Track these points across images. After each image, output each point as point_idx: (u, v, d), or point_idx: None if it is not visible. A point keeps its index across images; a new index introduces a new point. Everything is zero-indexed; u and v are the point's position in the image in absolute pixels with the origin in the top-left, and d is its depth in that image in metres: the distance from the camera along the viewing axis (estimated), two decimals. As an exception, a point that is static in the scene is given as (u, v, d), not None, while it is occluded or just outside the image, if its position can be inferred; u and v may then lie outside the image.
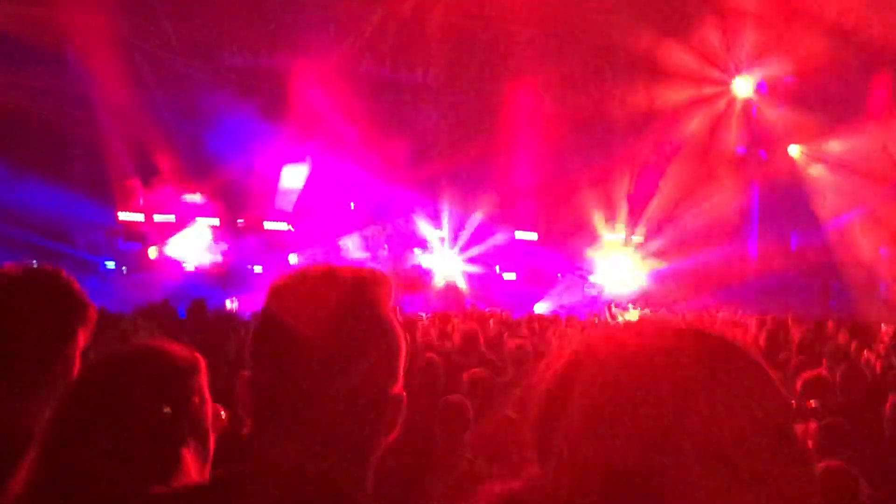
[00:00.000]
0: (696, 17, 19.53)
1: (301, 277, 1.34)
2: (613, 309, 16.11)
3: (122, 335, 7.62)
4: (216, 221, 21.23)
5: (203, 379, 1.61)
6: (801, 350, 7.62)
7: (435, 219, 22.10)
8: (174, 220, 20.97)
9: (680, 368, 0.92)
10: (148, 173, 20.62)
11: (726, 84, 21.15)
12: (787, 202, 21.15)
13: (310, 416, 1.25)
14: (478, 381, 5.79)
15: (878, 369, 7.12)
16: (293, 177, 22.11)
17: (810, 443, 4.07)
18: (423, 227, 22.10)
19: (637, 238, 22.55)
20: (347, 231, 21.92)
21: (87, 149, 20.10)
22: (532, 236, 23.38)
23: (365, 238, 21.91)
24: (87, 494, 1.45)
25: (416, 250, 22.13)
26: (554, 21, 20.97)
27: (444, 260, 21.92)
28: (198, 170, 20.77)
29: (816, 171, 20.87)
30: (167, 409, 1.51)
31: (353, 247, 21.71)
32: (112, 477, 1.45)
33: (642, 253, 22.28)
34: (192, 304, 11.54)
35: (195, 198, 21.20)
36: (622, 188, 22.12)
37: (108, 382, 1.55)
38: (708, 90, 21.04)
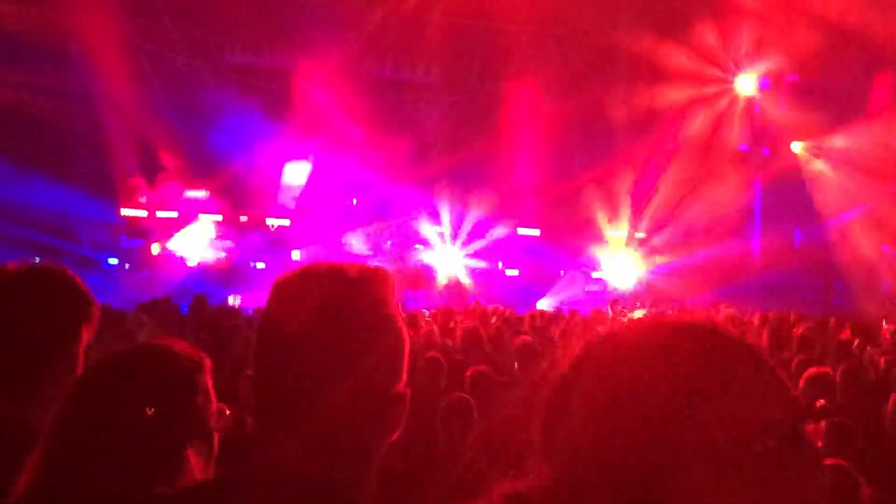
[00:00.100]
0: (699, 14, 19.48)
1: (304, 275, 1.34)
2: (616, 306, 16.09)
3: (125, 332, 7.63)
4: (219, 218, 21.26)
5: (207, 378, 1.60)
6: (803, 347, 7.60)
7: (437, 216, 22.10)
8: (177, 217, 20.99)
9: (687, 367, 0.91)
10: (151, 170, 20.65)
11: (729, 81, 21.11)
12: (789, 199, 21.10)
13: (313, 414, 1.25)
14: (480, 379, 5.79)
15: (883, 364, 7.10)
16: (296, 174, 22.12)
17: (819, 443, 4.06)
18: (426, 223, 22.10)
19: (640, 235, 22.53)
20: (350, 228, 21.93)
21: (90, 146, 20.13)
22: (535, 233, 23.37)
23: (368, 235, 21.92)
24: (91, 493, 1.45)
25: (419, 247, 22.13)
26: (556, 20, 20.95)
27: (446, 257, 21.93)
28: (201, 167, 20.80)
29: (819, 168, 20.84)
30: (151, 411, 1.50)
31: (356, 244, 21.72)
32: (115, 476, 1.45)
33: (645, 250, 22.27)
34: (194, 300, 11.56)
35: (198, 194, 21.22)
36: (625, 185, 22.09)
37: (112, 381, 1.55)
38: (711, 87, 21.00)
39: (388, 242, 22.03)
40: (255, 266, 20.59)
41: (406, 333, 1.32)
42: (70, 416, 1.53)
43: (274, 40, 21.78)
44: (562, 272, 22.33)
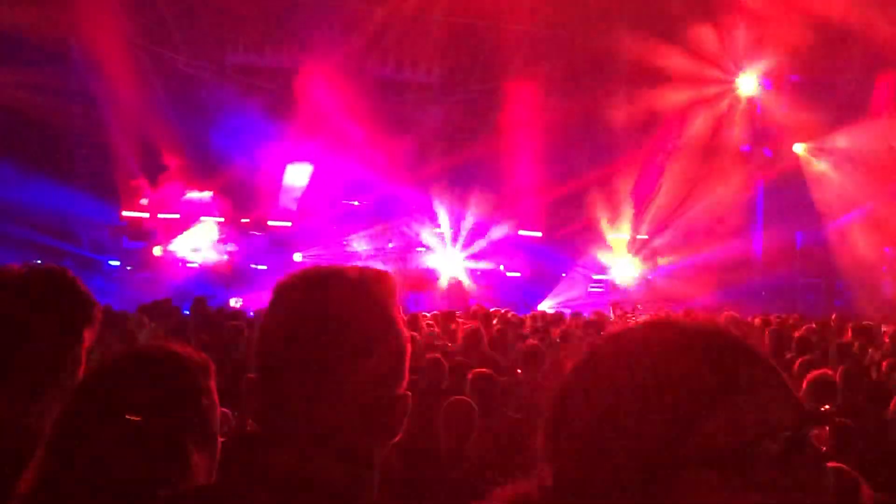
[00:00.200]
0: (700, 15, 19.48)
1: (305, 278, 1.34)
2: (618, 307, 16.09)
3: (127, 334, 7.64)
4: (221, 220, 21.26)
5: (212, 381, 1.60)
6: (803, 350, 7.59)
7: (439, 217, 22.10)
8: (179, 219, 21.00)
9: (691, 370, 0.91)
10: (152, 172, 20.65)
11: (730, 82, 21.10)
12: (791, 200, 21.08)
13: (314, 417, 1.25)
14: (482, 381, 5.79)
15: (885, 367, 7.09)
16: (297, 175, 22.13)
17: (823, 447, 4.05)
18: (427, 225, 22.10)
19: (641, 236, 22.52)
20: (352, 230, 21.93)
21: (91, 147, 20.14)
22: (536, 234, 23.37)
23: (369, 237, 21.92)
24: (94, 496, 1.45)
25: (421, 249, 22.13)
26: (557, 20, 20.95)
27: (448, 258, 21.93)
28: (202, 168, 20.80)
29: (821, 169, 20.82)
30: (153, 414, 1.50)
31: (357, 245, 21.73)
32: (118, 479, 1.45)
33: (647, 251, 22.26)
34: (194, 301, 11.59)
35: (200, 196, 21.23)
36: (627, 186, 22.08)
37: (115, 384, 1.55)
38: (712, 88, 20.99)
39: (390, 244, 22.03)
40: (256, 268, 20.59)
41: (407, 336, 1.32)
42: (73, 419, 1.53)
43: (275, 40, 21.80)
44: (563, 274, 22.33)
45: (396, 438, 1.32)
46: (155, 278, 19.26)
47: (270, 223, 21.86)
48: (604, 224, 22.19)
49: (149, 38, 20.16)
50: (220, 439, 1.59)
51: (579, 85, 21.52)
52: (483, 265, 22.07)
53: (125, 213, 20.90)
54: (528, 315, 13.29)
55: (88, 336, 2.00)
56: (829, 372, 5.47)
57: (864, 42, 18.53)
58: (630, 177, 22.02)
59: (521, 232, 22.96)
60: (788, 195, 21.10)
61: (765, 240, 21.89)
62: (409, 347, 1.32)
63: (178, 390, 1.55)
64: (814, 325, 10.33)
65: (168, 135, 20.07)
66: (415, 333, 8.19)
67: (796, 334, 8.56)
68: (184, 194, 21.10)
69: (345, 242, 21.70)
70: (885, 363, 7.05)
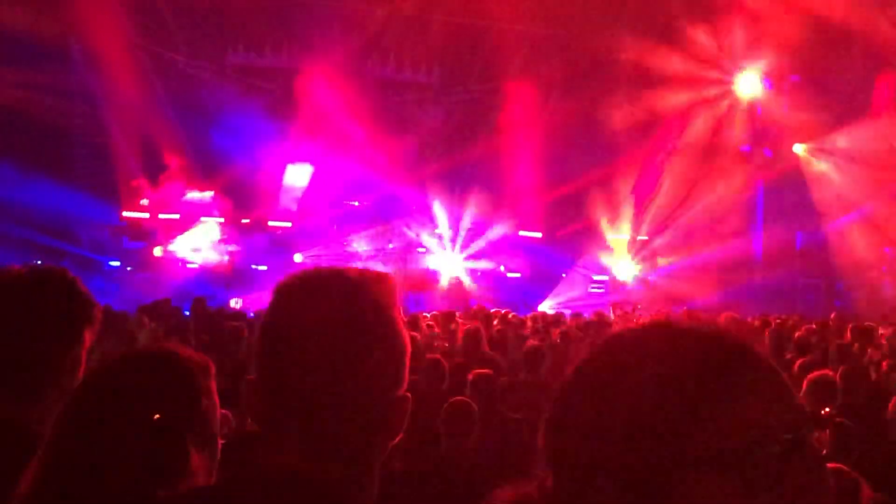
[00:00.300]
0: (700, 15, 19.47)
1: (305, 279, 1.34)
2: (618, 308, 16.09)
3: (127, 334, 7.64)
4: (221, 220, 21.27)
5: (212, 382, 1.61)
6: (801, 350, 7.59)
7: (439, 218, 22.10)
8: (179, 219, 21.00)
9: (693, 373, 0.91)
10: (153, 172, 20.65)
11: (730, 82, 21.09)
12: (791, 201, 21.08)
13: (315, 419, 1.25)
14: (482, 381, 5.79)
15: (885, 367, 7.10)
16: (297, 176, 22.13)
17: (824, 450, 4.05)
18: (428, 226, 22.10)
19: (642, 237, 22.52)
20: (352, 230, 21.94)
21: (91, 147, 20.16)
22: (536, 235, 23.38)
23: (370, 237, 21.93)
24: (94, 497, 1.45)
25: (421, 249, 22.14)
26: (557, 21, 20.95)
27: (448, 259, 21.94)
28: (203, 168, 20.81)
29: (822, 169, 20.81)
30: (154, 415, 1.50)
31: (358, 246, 21.74)
32: (118, 480, 1.45)
33: (647, 252, 22.26)
34: (193, 302, 11.60)
35: (201, 196, 21.23)
36: (627, 187, 22.09)
37: (116, 385, 1.55)
38: (712, 89, 20.98)
39: (390, 244, 22.04)
40: (256, 268, 20.60)
41: (407, 338, 1.33)
42: (73, 420, 1.53)
43: (275, 41, 21.81)
44: (563, 274, 22.33)
45: (397, 440, 1.32)
46: (155, 279, 19.26)
47: (271, 223, 21.87)
48: (604, 224, 22.19)
49: (149, 38, 20.18)
50: (221, 440, 1.60)
51: (579, 85, 21.52)
52: (483, 265, 22.08)
53: (125, 214, 20.91)
54: (528, 315, 13.29)
55: (88, 337, 2.00)
56: (830, 373, 5.47)
57: (864, 42, 18.54)
58: (630, 177, 22.03)
59: (522, 232, 22.97)
60: (788, 195, 21.10)
61: (765, 240, 21.88)
62: (409, 349, 1.32)
63: (177, 391, 1.55)
64: (814, 326, 10.33)
65: (168, 135, 20.08)
66: (415, 334, 8.20)
67: (795, 335, 8.56)
68: (184, 194, 21.11)
69: (345, 243, 21.71)
70: (885, 363, 7.05)
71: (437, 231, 22.07)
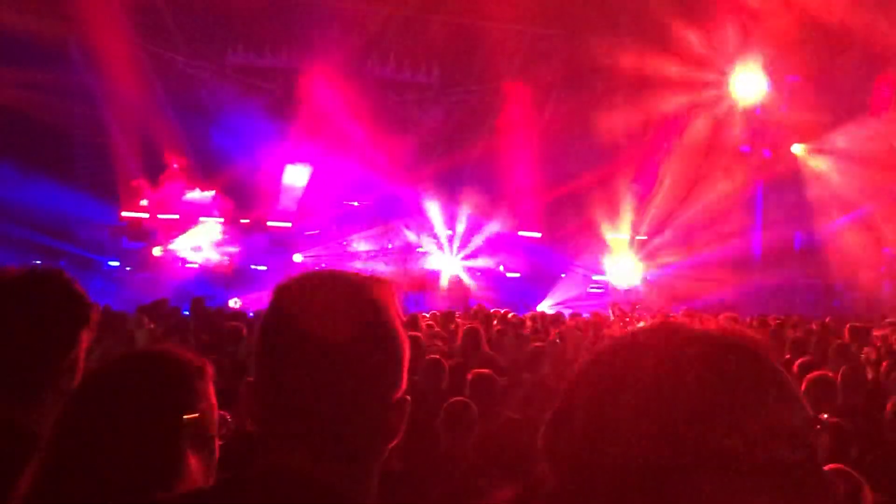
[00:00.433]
0: (699, 15, 19.48)
1: (304, 281, 1.34)
2: (617, 308, 16.09)
3: (126, 334, 7.64)
4: (220, 220, 21.26)
5: (209, 384, 1.61)
6: (797, 350, 7.59)
7: (439, 218, 22.10)
8: (178, 219, 21.00)
9: (700, 375, 0.91)
10: (152, 172, 20.65)
11: (730, 83, 21.09)
12: (790, 201, 21.09)
13: (313, 421, 1.25)
14: (482, 381, 5.78)
15: (884, 368, 7.09)
16: (296, 176, 22.13)
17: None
18: (428, 226, 22.10)
19: (641, 237, 22.52)
20: (352, 230, 21.94)
21: (91, 147, 20.14)
22: (536, 235, 23.39)
23: (370, 237, 21.93)
24: (91, 498, 1.45)
25: (421, 249, 22.14)
26: (556, 21, 20.96)
27: (448, 259, 21.94)
28: (202, 169, 20.81)
29: (820, 170, 20.82)
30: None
31: (358, 246, 21.74)
32: (116, 481, 1.45)
33: (646, 252, 22.26)
34: (192, 302, 11.61)
35: (201, 196, 21.24)
36: (626, 187, 22.09)
37: (113, 386, 1.55)
38: (711, 89, 20.99)
39: (390, 245, 22.04)
40: (256, 268, 20.59)
41: (406, 340, 1.33)
42: (70, 421, 1.53)
43: (275, 41, 21.81)
44: (563, 274, 22.34)
45: (395, 442, 1.32)
46: (154, 279, 19.26)
47: (270, 224, 21.86)
48: (603, 225, 22.20)
49: (148, 38, 20.17)
50: (219, 442, 1.60)
51: (578, 85, 21.52)
52: (482, 265, 22.09)
53: (124, 214, 20.90)
54: (527, 315, 13.30)
55: (85, 337, 1.99)
56: (829, 374, 5.47)
57: (862, 43, 18.54)
58: (629, 177, 22.03)
59: (521, 232, 22.97)
60: (787, 196, 21.11)
61: (763, 240, 21.88)
62: (407, 352, 1.33)
63: (173, 393, 1.55)
64: (813, 326, 10.33)
65: (168, 135, 20.09)
66: (417, 333, 8.21)
67: (791, 335, 8.56)
68: (183, 195, 21.10)
69: (345, 243, 21.71)
70: (884, 364, 7.06)
71: (436, 231, 22.07)
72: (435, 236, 22.09)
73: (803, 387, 5.11)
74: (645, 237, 22.44)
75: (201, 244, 20.94)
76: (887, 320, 12.17)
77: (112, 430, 1.49)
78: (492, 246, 22.15)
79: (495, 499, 1.02)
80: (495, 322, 11.30)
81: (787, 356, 7.40)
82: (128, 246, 21.04)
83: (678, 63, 19.74)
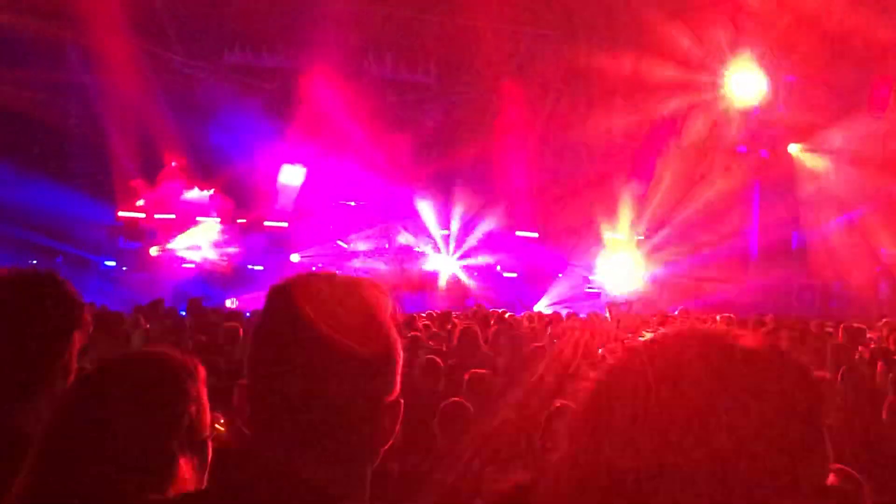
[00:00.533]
0: (698, 15, 19.48)
1: (298, 284, 1.33)
2: (614, 308, 16.09)
3: (122, 334, 7.62)
4: (217, 220, 21.25)
5: (201, 387, 1.60)
6: (793, 350, 7.59)
7: (436, 217, 22.10)
8: (175, 219, 20.97)
9: (707, 385, 0.91)
10: (149, 172, 20.63)
11: (727, 83, 21.09)
12: (787, 201, 21.10)
13: (306, 423, 1.25)
14: (478, 381, 5.78)
15: (880, 369, 7.10)
16: (292, 176, 22.12)
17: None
18: (426, 225, 22.11)
19: (638, 237, 22.52)
20: (349, 230, 21.93)
21: (87, 147, 20.11)
22: (533, 235, 23.40)
23: (367, 237, 21.92)
24: (83, 500, 1.44)
25: (419, 249, 22.14)
26: (555, 21, 20.96)
27: (445, 258, 21.94)
28: (200, 168, 20.79)
29: (817, 170, 20.83)
30: (141, 419, 1.50)
31: (355, 246, 21.74)
32: (108, 484, 1.45)
33: (643, 252, 22.26)
34: (189, 303, 11.61)
35: (198, 195, 21.22)
36: (624, 187, 22.09)
37: (105, 389, 1.55)
38: (708, 89, 20.99)
39: (388, 245, 22.03)
40: (252, 268, 20.58)
41: (399, 343, 1.33)
42: (63, 423, 1.52)
43: (273, 40, 21.79)
44: (560, 274, 22.34)
45: (388, 445, 1.32)
46: (151, 279, 19.24)
47: (267, 224, 21.84)
48: (601, 224, 22.19)
49: (146, 37, 20.12)
50: (211, 444, 1.59)
51: (576, 85, 21.53)
52: (479, 265, 22.09)
53: (121, 214, 20.87)
54: (524, 315, 13.30)
55: (78, 339, 1.99)
56: (827, 375, 5.48)
57: (860, 43, 18.55)
58: (627, 177, 22.03)
59: (518, 232, 22.98)
60: (784, 196, 21.12)
61: (760, 240, 21.90)
62: (401, 354, 1.32)
63: (164, 396, 1.54)
64: (811, 327, 10.35)
65: (165, 135, 20.05)
66: (417, 333, 8.21)
67: (785, 335, 8.58)
68: (181, 194, 21.08)
69: (342, 243, 21.70)
70: (880, 365, 7.06)
71: (434, 230, 22.07)
72: (432, 236, 22.08)
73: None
74: (642, 237, 22.45)
75: (198, 244, 20.93)
76: (884, 320, 12.19)
77: (104, 432, 1.48)
78: (489, 246, 22.16)
79: (494, 495, 1.02)
80: (492, 322, 11.29)
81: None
82: (124, 246, 21.02)
83: (675, 63, 19.75)
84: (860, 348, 8.19)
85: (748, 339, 0.98)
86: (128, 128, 19.57)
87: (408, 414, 1.34)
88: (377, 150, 21.23)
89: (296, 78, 21.21)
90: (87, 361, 1.97)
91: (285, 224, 21.91)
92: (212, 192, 21.20)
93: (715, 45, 20.25)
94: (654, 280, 21.66)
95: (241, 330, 8.36)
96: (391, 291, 1.36)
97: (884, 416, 5.00)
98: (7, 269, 2.01)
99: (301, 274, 1.36)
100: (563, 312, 14.11)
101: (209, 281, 19.55)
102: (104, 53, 18.58)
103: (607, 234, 22.23)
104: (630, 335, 10.15)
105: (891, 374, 6.23)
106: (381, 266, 20.94)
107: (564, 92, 21.77)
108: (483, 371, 6.03)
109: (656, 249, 22.01)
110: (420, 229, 22.09)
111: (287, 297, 1.31)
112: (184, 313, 11.66)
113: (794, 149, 21.34)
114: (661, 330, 1.02)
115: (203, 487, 1.49)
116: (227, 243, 21.14)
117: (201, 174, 20.95)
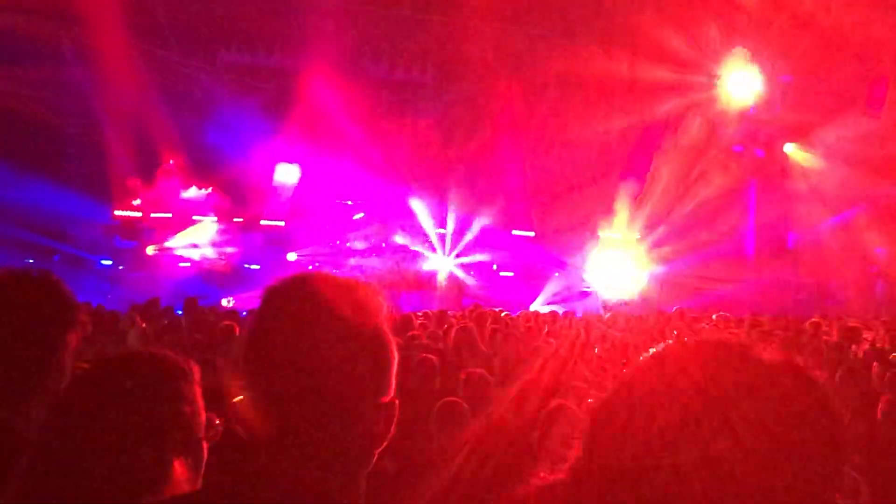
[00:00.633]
0: (695, 15, 19.51)
1: (292, 286, 1.33)
2: (610, 307, 16.11)
3: (118, 333, 7.61)
4: (214, 219, 21.22)
5: (196, 387, 1.60)
6: (789, 350, 7.60)
7: (433, 216, 22.09)
8: (171, 218, 20.94)
9: (727, 397, 0.92)
10: (146, 170, 20.59)
11: (723, 83, 21.12)
12: (783, 201, 21.14)
13: (300, 424, 1.25)
14: (474, 380, 5.77)
15: (875, 368, 7.11)
16: (287, 175, 22.11)
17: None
18: (423, 224, 22.09)
19: (634, 237, 22.54)
20: (346, 229, 21.90)
21: (84, 146, 20.08)
22: (529, 234, 23.40)
23: (364, 236, 21.90)
24: (78, 500, 1.44)
25: (416, 248, 22.12)
26: (554, 21, 20.97)
27: (442, 258, 21.93)
28: (196, 167, 20.76)
29: (813, 169, 20.87)
30: (135, 420, 1.49)
31: (352, 245, 21.71)
32: (103, 485, 1.44)
33: (639, 252, 22.28)
34: (185, 302, 11.58)
35: (196, 194, 21.19)
36: (620, 187, 22.11)
37: (99, 390, 1.54)
38: (705, 89, 21.02)
39: (384, 243, 22.02)
40: (249, 267, 20.55)
41: (394, 345, 1.33)
42: (57, 424, 1.52)
43: (270, 40, 21.76)
44: (556, 273, 22.34)
45: (383, 445, 1.32)
46: (147, 278, 19.19)
47: (264, 222, 21.82)
48: (596, 223, 22.21)
49: (142, 36, 20.09)
50: (206, 445, 1.59)
51: (573, 85, 21.53)
52: (476, 264, 22.08)
53: (117, 212, 20.83)
54: (521, 314, 13.29)
55: (72, 339, 1.98)
56: (824, 375, 5.48)
57: (855, 43, 18.59)
58: (623, 176, 22.05)
59: (515, 231, 22.98)
60: (780, 195, 21.15)
61: (756, 240, 21.94)
62: (395, 355, 1.32)
63: (158, 397, 1.54)
64: (807, 326, 10.35)
65: (162, 133, 20.01)
66: (413, 332, 8.20)
67: (780, 335, 8.59)
68: (177, 193, 21.05)
69: (339, 242, 21.68)
70: (875, 364, 7.08)
71: (430, 229, 22.06)
72: (428, 235, 22.07)
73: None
74: (638, 237, 22.46)
75: (195, 243, 20.90)
76: (879, 319, 12.22)
77: (98, 432, 1.48)
78: (485, 244, 22.15)
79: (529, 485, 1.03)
80: (489, 321, 11.28)
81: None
82: (121, 245, 20.97)
83: (671, 62, 19.77)
84: (853, 347, 8.21)
85: (769, 354, 0.99)
86: (124, 126, 19.53)
87: (403, 413, 1.33)
88: (374, 149, 21.22)
89: (293, 77, 21.19)
90: (83, 361, 1.96)
91: (282, 223, 21.89)
92: (208, 190, 21.17)
93: (711, 44, 20.28)
94: (651, 279, 21.67)
95: (236, 329, 8.35)
96: (387, 291, 1.36)
97: (879, 415, 5.01)
98: (1, 268, 2.00)
99: (296, 275, 1.36)
100: (560, 311, 14.12)
101: (206, 280, 19.52)
102: (101, 52, 18.54)
103: (603, 234, 22.25)
104: (624, 334, 10.14)
105: (887, 374, 6.25)
106: (377, 265, 20.92)
107: (560, 91, 21.77)
108: (479, 370, 6.02)
109: (652, 248, 22.04)
110: (416, 228, 22.07)
111: (280, 300, 1.31)
112: (180, 312, 11.65)
113: (789, 148, 21.39)
114: (682, 338, 1.03)
115: (198, 488, 1.49)
116: (223, 242, 21.11)
117: (198, 173, 20.91)
